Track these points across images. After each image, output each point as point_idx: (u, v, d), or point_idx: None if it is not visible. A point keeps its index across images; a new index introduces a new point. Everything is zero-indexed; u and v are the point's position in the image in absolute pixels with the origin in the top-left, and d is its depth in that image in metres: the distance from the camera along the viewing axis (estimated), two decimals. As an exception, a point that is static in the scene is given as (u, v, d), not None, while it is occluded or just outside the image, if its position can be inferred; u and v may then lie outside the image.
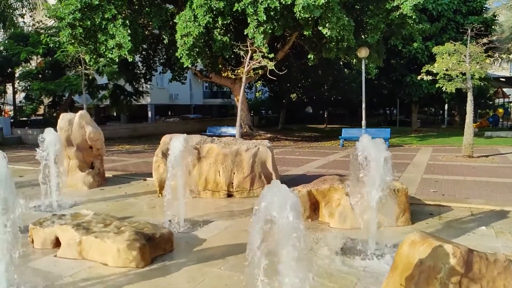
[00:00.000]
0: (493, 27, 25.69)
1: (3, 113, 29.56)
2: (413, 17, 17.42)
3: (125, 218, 5.50)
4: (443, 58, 13.05)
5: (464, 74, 12.88)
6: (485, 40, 13.24)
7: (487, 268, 3.04)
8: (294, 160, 13.03)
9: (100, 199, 7.38)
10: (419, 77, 14.55)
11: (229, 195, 7.32)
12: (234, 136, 15.41)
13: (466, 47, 12.93)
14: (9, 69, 26.14)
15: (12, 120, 25.97)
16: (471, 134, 12.85)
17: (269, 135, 23.06)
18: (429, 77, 13.65)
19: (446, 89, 13.27)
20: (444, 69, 12.89)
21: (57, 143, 6.75)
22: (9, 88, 29.06)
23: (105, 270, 4.06)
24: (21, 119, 29.08)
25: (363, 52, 18.58)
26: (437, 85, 13.95)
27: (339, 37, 16.49)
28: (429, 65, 13.68)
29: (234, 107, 30.75)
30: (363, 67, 19.32)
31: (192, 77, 35.45)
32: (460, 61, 12.76)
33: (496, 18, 26.59)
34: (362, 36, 18.75)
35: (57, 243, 4.64)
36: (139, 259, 4.13)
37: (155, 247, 4.38)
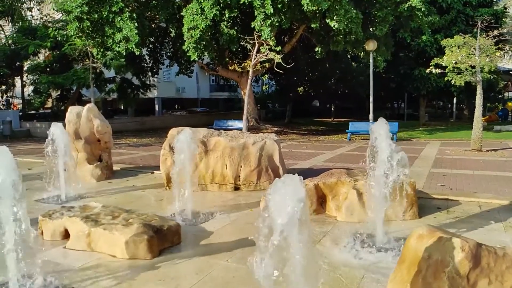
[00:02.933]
0: (503, 19, 25.32)
1: (12, 106, 29.82)
2: (422, 9, 17.22)
3: (133, 210, 5.54)
4: (452, 51, 12.91)
5: (473, 67, 12.73)
6: (495, 32, 13.06)
7: (496, 262, 3.02)
8: (301, 154, 13.02)
9: (108, 191, 7.44)
10: (427, 70, 14.42)
11: (236, 188, 7.34)
12: (241, 129, 15.42)
13: (476, 39, 12.76)
14: (18, 63, 26.32)
15: (20, 113, 26.19)
16: (480, 128, 12.73)
17: (275, 129, 23.04)
18: (438, 70, 13.52)
19: (455, 82, 13.14)
20: (453, 62, 12.75)
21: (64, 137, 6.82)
22: (17, 81, 29.28)
23: (114, 262, 4.10)
24: (29, 112, 29.29)
25: (371, 45, 18.44)
26: (446, 79, 13.81)
27: (346, 30, 16.36)
28: (438, 58, 13.54)
29: (241, 100, 30.71)
30: (371, 60, 19.18)
31: (199, 71, 35.45)
32: (469, 54, 12.61)
33: (507, 10, 26.21)
34: (370, 29, 18.59)
35: (66, 235, 4.69)
36: (147, 251, 4.16)
37: (163, 239, 4.41)
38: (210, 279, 3.70)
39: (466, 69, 12.74)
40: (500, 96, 35.81)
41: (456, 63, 12.73)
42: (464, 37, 13.00)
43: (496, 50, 12.86)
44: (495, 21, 18.83)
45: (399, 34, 21.87)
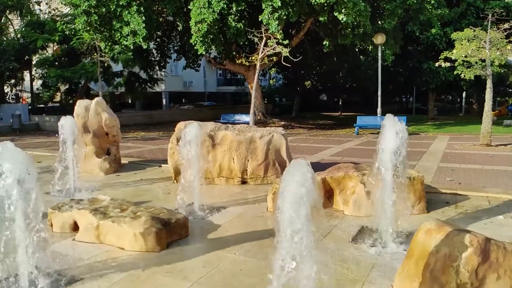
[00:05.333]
0: (515, 12, 24.93)
1: (21, 100, 30.08)
2: (432, 2, 17.01)
3: (141, 203, 5.58)
4: (462, 44, 12.75)
5: (483, 60, 12.57)
6: (506, 25, 12.86)
7: (505, 257, 3.00)
8: (308, 148, 12.99)
9: (117, 184, 7.49)
10: (436, 64, 14.26)
11: (243, 182, 7.35)
12: (248, 123, 15.41)
13: (486, 32, 12.59)
14: (26, 57, 26.51)
15: (29, 107, 26.43)
16: (489, 122, 12.60)
17: (283, 123, 23.01)
18: (447, 64, 13.38)
19: (464, 76, 13.00)
20: (463, 55, 12.60)
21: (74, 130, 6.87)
22: (26, 75, 29.52)
23: (122, 254, 4.14)
24: (38, 106, 29.55)
25: (379, 39, 18.29)
26: (455, 72, 13.67)
27: (355, 23, 16.23)
28: (447, 51, 13.39)
29: (248, 94, 30.67)
30: (379, 54, 19.04)
31: (206, 64, 35.39)
32: (479, 47, 12.45)
33: (519, 2, 25.76)
34: (379, 22, 18.41)
35: (75, 227, 4.74)
36: (155, 243, 4.19)
37: (171, 232, 4.44)
38: (217, 271, 3.72)
39: (476, 62, 12.59)
40: (510, 90, 35.35)
41: (466, 56, 12.58)
42: (474, 30, 12.84)
43: (507, 44, 12.67)
44: (506, 14, 18.53)
45: (408, 27, 21.64)
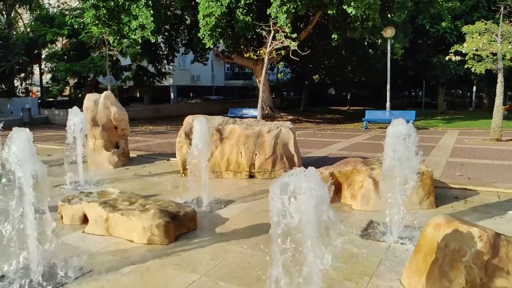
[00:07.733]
0: (527, 5, 24.49)
1: (30, 94, 30.36)
2: (442, -6, 16.79)
3: (150, 196, 5.62)
4: (473, 38, 12.60)
5: (494, 54, 12.41)
6: (518, 18, 12.70)
7: (515, 252, 2.98)
8: (316, 142, 12.96)
9: (125, 178, 7.54)
10: (447, 58, 14.12)
11: (251, 176, 7.37)
12: (255, 117, 15.39)
13: (498, 26, 12.41)
14: (36, 51, 26.69)
15: (39, 101, 26.66)
16: (500, 117, 12.46)
17: (290, 117, 22.96)
18: (458, 58, 13.24)
19: (475, 70, 12.86)
20: (474, 49, 12.46)
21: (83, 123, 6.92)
22: (36, 69, 29.75)
23: (131, 246, 4.18)
24: (47, 99, 29.78)
25: (389, 32, 18.11)
26: (465, 66, 13.52)
27: (364, 16, 16.08)
28: (458, 45, 13.24)
29: (256, 88, 30.60)
30: (388, 48, 18.86)
31: (214, 58, 35.37)
32: (491, 40, 12.29)
33: (531, -5, 25.31)
34: (388, 15, 18.22)
35: (85, 220, 4.79)
36: (163, 236, 4.22)
37: (179, 225, 4.47)
38: (225, 264, 3.74)
39: (487, 56, 12.44)
40: (521, 84, 34.82)
41: (476, 50, 12.43)
42: (486, 23, 12.66)
43: (519, 37, 12.50)
44: (519, 7, 18.25)
45: (418, 21, 21.39)
